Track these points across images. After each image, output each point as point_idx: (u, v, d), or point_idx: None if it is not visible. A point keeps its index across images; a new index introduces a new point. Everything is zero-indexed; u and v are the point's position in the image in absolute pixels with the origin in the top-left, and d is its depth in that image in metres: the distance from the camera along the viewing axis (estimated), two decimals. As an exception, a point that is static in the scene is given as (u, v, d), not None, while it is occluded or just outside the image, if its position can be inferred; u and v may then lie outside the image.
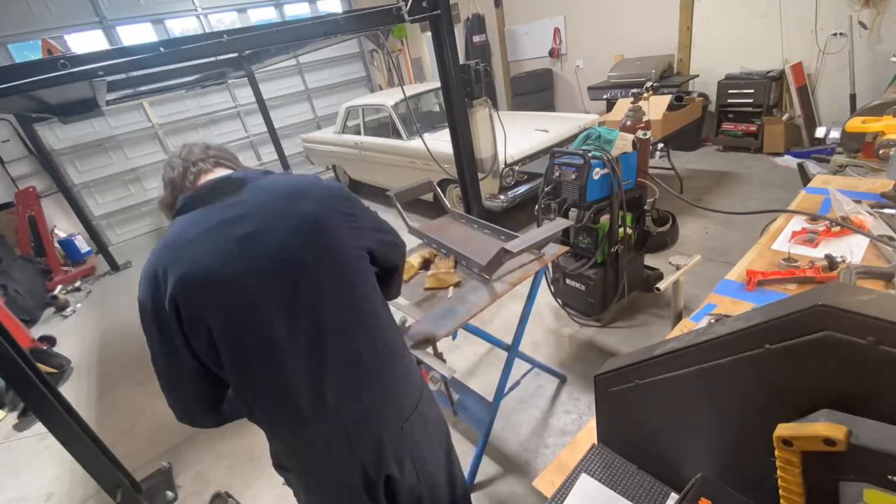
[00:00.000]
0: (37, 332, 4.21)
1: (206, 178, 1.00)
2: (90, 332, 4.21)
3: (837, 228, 1.56)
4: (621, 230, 2.50)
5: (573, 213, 2.42)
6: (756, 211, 2.13)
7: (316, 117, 8.24)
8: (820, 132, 2.73)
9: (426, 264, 1.88)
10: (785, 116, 4.62)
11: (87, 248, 5.92)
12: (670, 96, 4.20)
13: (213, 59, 4.61)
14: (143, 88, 5.09)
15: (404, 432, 1.03)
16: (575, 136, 4.27)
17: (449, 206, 2.35)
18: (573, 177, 2.36)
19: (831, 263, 1.38)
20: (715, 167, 4.77)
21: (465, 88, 2.84)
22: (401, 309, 1.70)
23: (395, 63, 8.04)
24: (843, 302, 0.55)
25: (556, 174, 2.46)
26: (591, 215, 2.36)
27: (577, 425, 2.15)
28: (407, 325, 1.54)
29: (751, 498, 0.71)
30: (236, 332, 0.88)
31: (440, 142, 3.83)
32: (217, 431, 2.61)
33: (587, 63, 6.25)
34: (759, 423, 0.64)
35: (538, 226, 2.48)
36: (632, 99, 2.91)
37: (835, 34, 4.19)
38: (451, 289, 1.72)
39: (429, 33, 2.77)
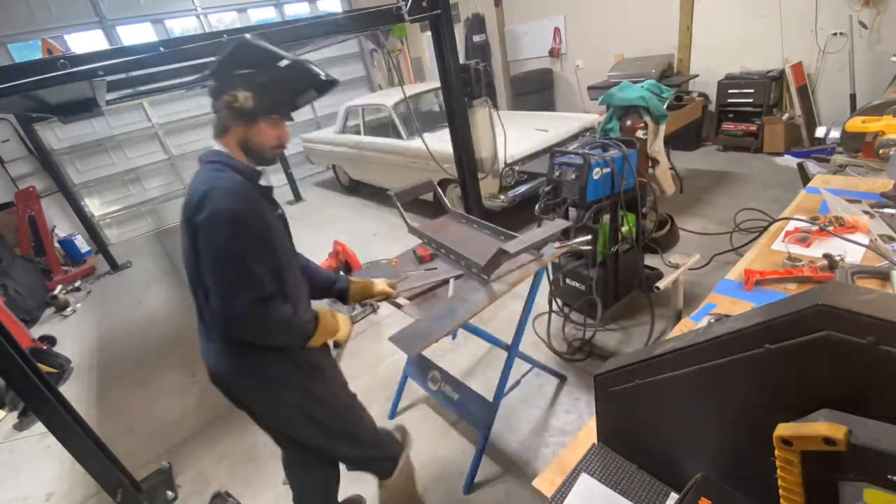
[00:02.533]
0: (37, 332, 4.20)
1: None
2: (90, 332, 4.21)
3: (831, 228, 1.56)
4: (624, 229, 2.50)
5: (573, 212, 2.42)
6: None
7: (316, 117, 8.23)
8: (820, 132, 2.73)
9: None
10: (785, 116, 4.62)
11: (87, 248, 5.91)
12: (670, 96, 4.20)
13: (213, 58, 4.60)
14: (143, 88, 5.07)
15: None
16: (575, 136, 4.29)
17: (449, 205, 2.35)
18: (573, 176, 2.36)
19: (831, 263, 1.38)
20: (715, 167, 4.77)
21: (465, 88, 2.84)
22: (402, 310, 1.70)
23: (395, 63, 8.03)
24: (842, 302, 0.55)
25: (557, 174, 2.46)
26: (591, 215, 2.36)
27: (577, 425, 2.15)
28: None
29: (751, 498, 0.71)
30: None
31: (440, 142, 3.83)
32: (217, 431, 2.61)
33: (587, 63, 6.25)
34: (759, 423, 0.64)
35: (538, 226, 2.48)
36: (632, 99, 2.90)
37: (835, 34, 4.19)
38: (451, 288, 1.72)
39: (429, 33, 2.76)
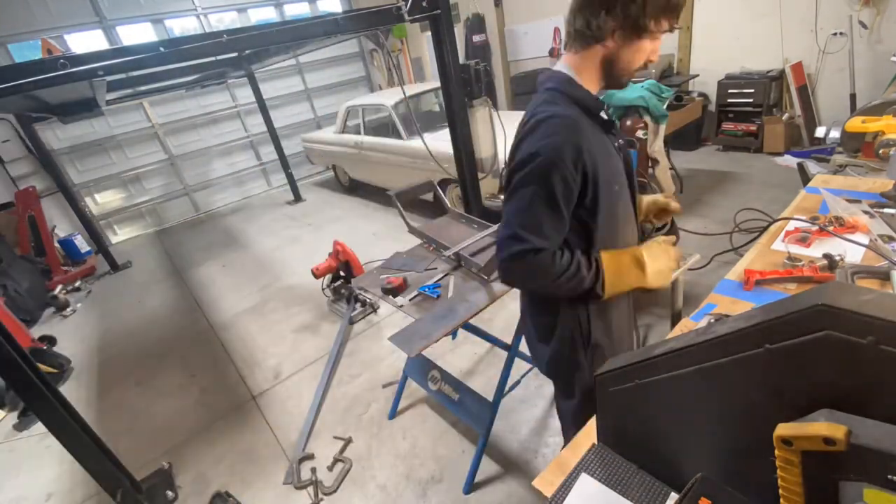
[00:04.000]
0: (37, 332, 4.20)
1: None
2: (90, 332, 4.21)
3: (831, 228, 1.56)
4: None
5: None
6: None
7: (316, 117, 8.24)
8: (820, 132, 2.73)
9: None
10: (785, 116, 4.62)
11: (87, 248, 5.92)
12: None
13: (213, 58, 4.61)
14: (143, 88, 5.09)
15: None
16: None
17: (449, 205, 2.35)
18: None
19: (831, 263, 1.38)
20: (715, 167, 4.77)
21: (465, 88, 2.84)
22: (401, 310, 1.70)
23: (395, 63, 8.03)
24: (843, 302, 0.54)
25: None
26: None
27: (577, 425, 2.15)
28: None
29: (751, 498, 0.71)
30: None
31: (440, 142, 3.83)
32: (217, 431, 2.61)
33: (587, 63, 6.25)
34: (759, 423, 0.64)
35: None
36: (632, 99, 2.90)
37: (835, 34, 4.19)
38: (451, 288, 1.72)
39: (429, 33, 2.77)
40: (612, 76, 1.08)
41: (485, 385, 2.43)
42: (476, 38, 6.99)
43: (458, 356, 2.77)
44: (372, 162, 5.39)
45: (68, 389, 3.31)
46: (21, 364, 1.66)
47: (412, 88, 5.60)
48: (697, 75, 5.11)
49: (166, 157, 6.94)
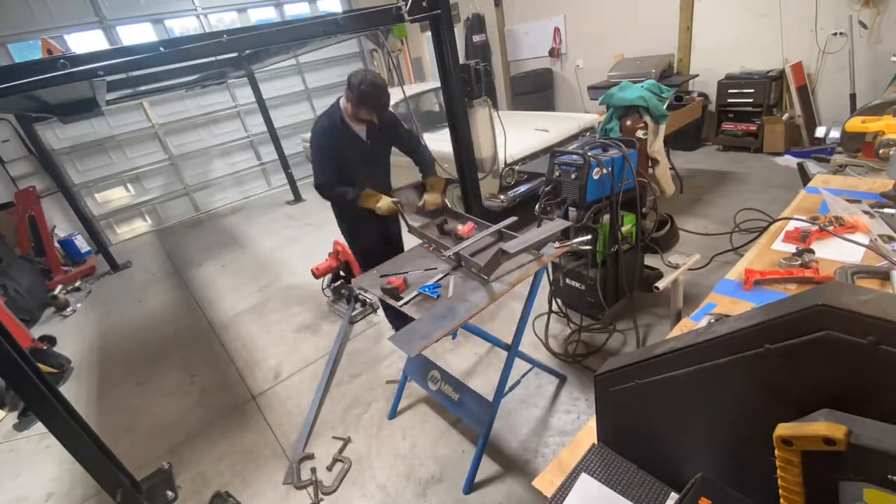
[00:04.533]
0: (37, 332, 4.20)
1: None
2: (90, 332, 4.21)
3: (831, 228, 1.56)
4: (624, 229, 2.49)
5: (573, 212, 2.42)
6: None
7: (315, 117, 8.23)
8: (820, 132, 2.73)
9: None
10: (785, 116, 4.62)
11: (87, 248, 5.91)
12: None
13: (213, 58, 4.60)
14: (143, 88, 5.09)
15: None
16: (575, 136, 4.29)
17: (449, 205, 2.35)
18: (573, 176, 2.36)
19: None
20: (715, 167, 4.77)
21: (465, 88, 2.83)
22: (402, 309, 1.70)
23: (395, 63, 8.02)
24: (843, 302, 0.55)
25: (557, 174, 2.46)
26: (590, 215, 2.36)
27: (577, 425, 2.15)
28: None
29: (751, 498, 0.71)
30: None
31: (440, 142, 3.82)
32: (217, 431, 2.62)
33: (587, 63, 6.25)
34: (759, 423, 0.64)
35: (538, 226, 2.48)
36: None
37: (835, 34, 4.19)
38: (451, 288, 1.72)
39: (429, 33, 2.77)
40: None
41: (485, 385, 2.43)
42: (476, 38, 6.99)
43: (458, 356, 2.77)
44: (372, 162, 5.37)
45: (68, 389, 3.31)
46: (21, 364, 1.66)
47: (412, 88, 5.59)
48: (697, 75, 5.11)
49: (166, 157, 6.93)
